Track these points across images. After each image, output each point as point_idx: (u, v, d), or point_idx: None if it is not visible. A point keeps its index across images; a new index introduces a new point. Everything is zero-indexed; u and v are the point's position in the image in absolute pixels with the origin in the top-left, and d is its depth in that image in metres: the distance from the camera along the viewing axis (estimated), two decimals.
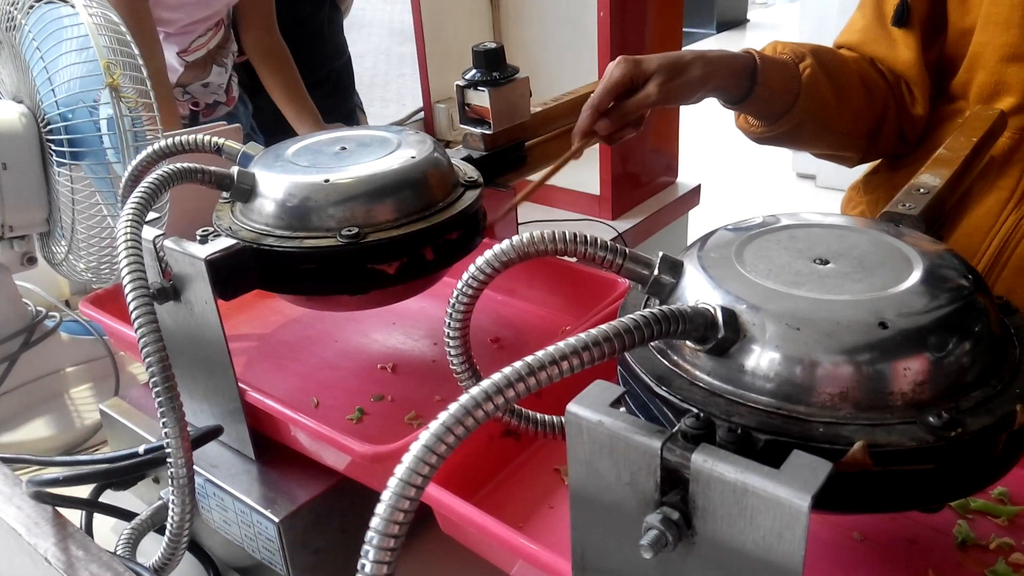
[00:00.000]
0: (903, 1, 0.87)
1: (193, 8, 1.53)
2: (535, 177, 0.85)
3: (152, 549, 0.61)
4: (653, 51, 1.45)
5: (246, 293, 0.64)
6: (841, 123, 0.89)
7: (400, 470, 0.34)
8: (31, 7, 0.81)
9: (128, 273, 0.53)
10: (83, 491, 0.65)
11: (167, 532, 0.56)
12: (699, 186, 1.65)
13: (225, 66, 1.67)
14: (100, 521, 0.69)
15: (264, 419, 0.63)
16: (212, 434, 0.61)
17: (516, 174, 0.88)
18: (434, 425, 0.35)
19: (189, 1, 1.50)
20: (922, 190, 0.59)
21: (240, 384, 0.62)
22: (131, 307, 0.53)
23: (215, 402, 0.65)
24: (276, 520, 0.59)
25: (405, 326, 0.82)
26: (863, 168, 1.03)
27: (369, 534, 0.34)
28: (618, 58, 0.82)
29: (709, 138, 4.33)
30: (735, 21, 7.12)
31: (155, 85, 1.33)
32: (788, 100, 0.86)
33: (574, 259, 0.71)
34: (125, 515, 0.66)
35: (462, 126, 0.85)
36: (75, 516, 0.65)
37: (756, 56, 0.85)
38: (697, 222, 1.67)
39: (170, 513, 0.55)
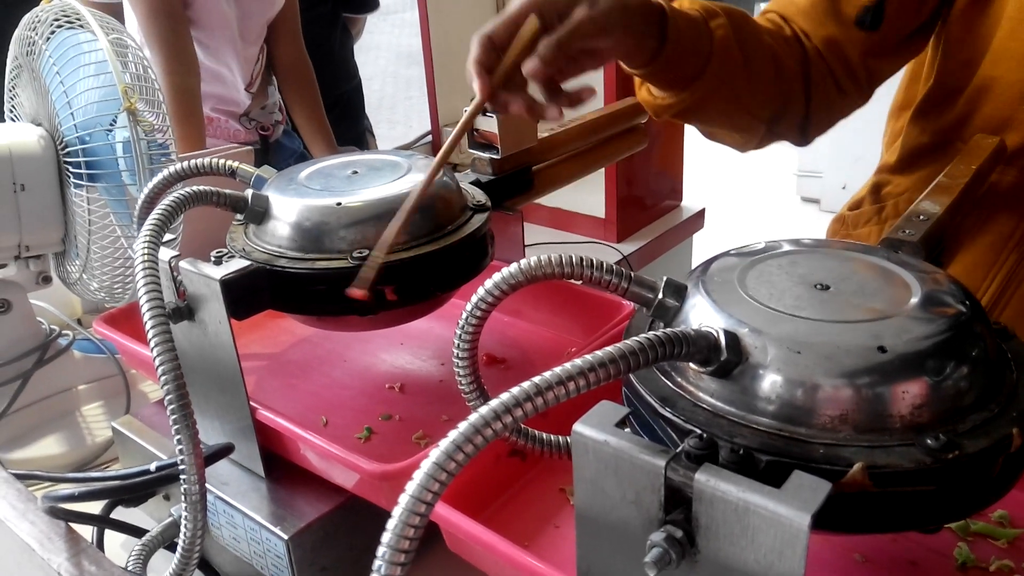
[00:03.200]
0: (878, 5, 0.79)
1: (249, 29, 1.55)
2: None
3: (161, 566, 0.62)
4: None
5: (258, 313, 0.65)
6: (750, 99, 0.79)
7: (411, 487, 0.35)
8: (52, 32, 0.84)
9: (145, 293, 0.54)
10: (94, 508, 0.66)
11: (179, 548, 0.57)
12: (703, 210, 1.67)
13: (274, 83, 1.71)
14: (110, 538, 0.70)
15: (274, 437, 0.64)
16: (224, 451, 0.61)
17: (523, 198, 0.89)
18: (444, 443, 0.36)
19: (223, 24, 1.52)
20: (922, 217, 0.60)
21: (251, 403, 0.63)
22: (147, 326, 0.54)
23: (226, 420, 0.66)
24: (285, 537, 0.60)
25: (412, 346, 0.83)
26: (847, 201, 1.03)
27: (381, 549, 0.35)
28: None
29: (713, 162, 4.36)
30: None
31: (189, 103, 1.38)
32: (699, 63, 0.74)
33: (580, 282, 0.72)
34: (136, 532, 0.66)
35: (470, 151, 0.86)
36: (86, 533, 0.66)
37: (664, 4, 0.72)
38: (701, 245, 1.68)
39: (182, 529, 0.56)
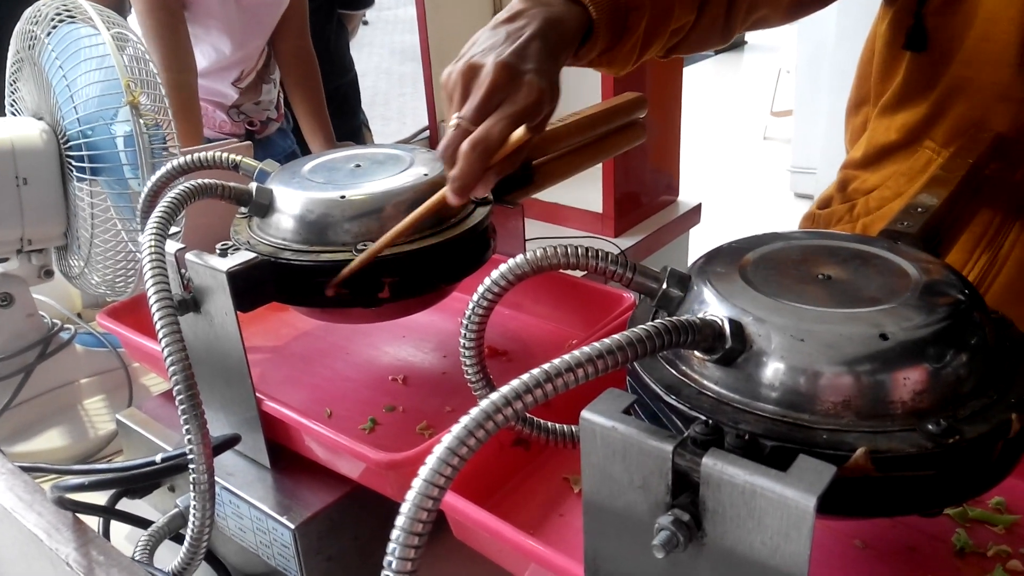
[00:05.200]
0: None
1: (250, 29, 1.56)
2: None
3: (166, 557, 0.62)
4: (653, 74, 1.48)
5: (263, 305, 0.65)
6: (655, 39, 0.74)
7: (424, 471, 0.36)
8: (54, 27, 0.84)
9: (153, 285, 0.55)
10: (98, 501, 0.66)
11: (187, 537, 0.57)
12: (699, 205, 1.68)
13: (273, 82, 1.71)
14: (115, 530, 0.71)
15: (280, 428, 0.64)
16: (231, 442, 0.62)
17: (523, 192, 0.90)
18: (456, 429, 0.36)
19: (220, 26, 1.52)
20: (920, 209, 0.61)
21: (257, 394, 0.64)
22: (155, 318, 0.54)
23: (232, 411, 0.66)
24: (292, 527, 0.60)
25: (415, 339, 0.84)
26: (815, 200, 1.03)
27: (395, 533, 0.36)
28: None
29: (709, 158, 4.38)
30: (732, 43, 7.20)
31: (185, 99, 1.39)
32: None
33: (580, 274, 0.73)
34: (141, 523, 0.67)
35: None
36: (92, 524, 0.66)
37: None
38: (698, 240, 1.70)
39: (191, 519, 0.56)
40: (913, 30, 0.80)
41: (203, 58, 1.53)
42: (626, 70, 0.78)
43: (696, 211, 1.67)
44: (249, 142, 1.06)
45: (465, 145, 0.59)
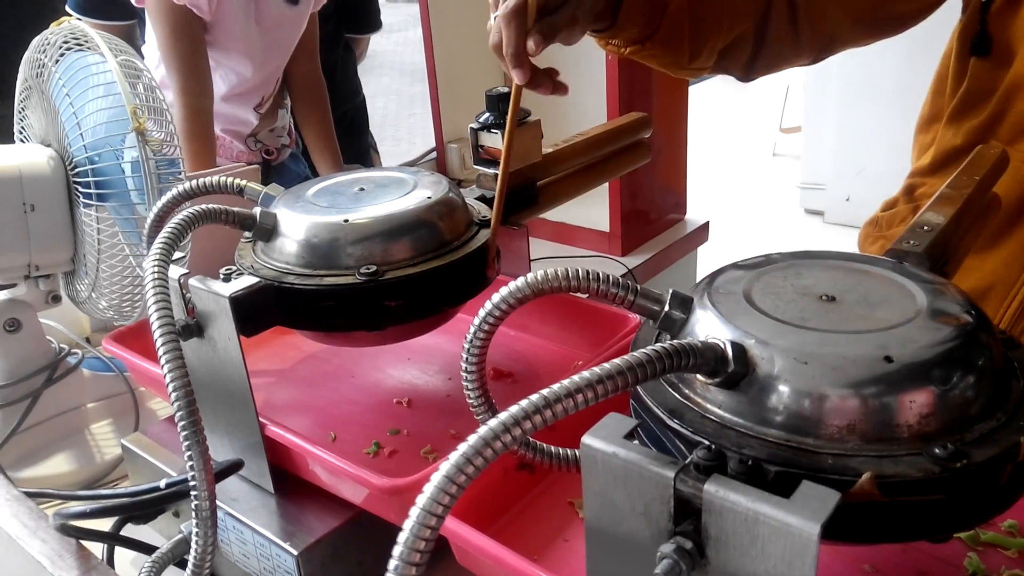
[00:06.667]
0: None
1: (271, 52, 1.57)
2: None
3: None
4: (659, 93, 1.49)
5: (267, 330, 0.65)
6: (700, 48, 0.80)
7: (422, 500, 0.36)
8: (62, 55, 0.85)
9: (156, 311, 0.55)
10: (104, 526, 0.66)
11: (189, 564, 0.57)
12: (707, 223, 1.67)
13: (285, 107, 1.72)
14: (120, 556, 0.70)
15: (283, 453, 0.64)
16: (234, 468, 0.62)
17: (528, 212, 0.90)
18: (454, 456, 0.36)
19: (244, 48, 1.53)
20: (926, 228, 0.60)
21: (260, 419, 0.63)
22: (158, 344, 0.54)
23: (235, 436, 0.66)
24: (295, 553, 0.60)
25: (420, 361, 0.84)
26: (879, 204, 1.03)
27: (392, 563, 0.35)
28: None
29: (717, 176, 4.37)
30: None
31: (203, 125, 1.40)
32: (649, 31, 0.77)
33: (586, 295, 0.73)
34: (146, 549, 0.67)
35: (476, 167, 0.87)
36: (96, 550, 0.66)
37: None
38: (706, 258, 1.69)
39: (192, 545, 0.56)
40: (979, 36, 0.83)
41: (223, 83, 1.54)
42: (685, 65, 0.84)
43: (704, 229, 1.67)
44: (256, 166, 1.07)
45: (500, 20, 0.68)
